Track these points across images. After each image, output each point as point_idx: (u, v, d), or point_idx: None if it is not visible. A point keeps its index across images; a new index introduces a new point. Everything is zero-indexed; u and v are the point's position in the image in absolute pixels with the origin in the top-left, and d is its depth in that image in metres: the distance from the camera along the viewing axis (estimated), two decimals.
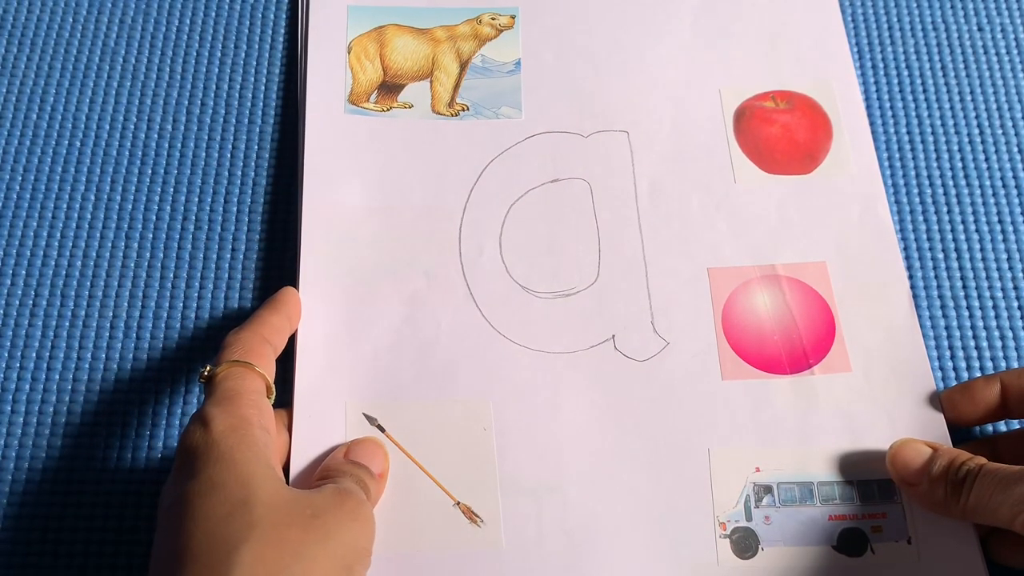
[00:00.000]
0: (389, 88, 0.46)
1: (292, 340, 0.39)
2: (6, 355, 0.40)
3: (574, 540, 0.36)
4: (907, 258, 0.43)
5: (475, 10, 0.48)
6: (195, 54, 0.48)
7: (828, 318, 0.41)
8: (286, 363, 0.39)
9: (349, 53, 0.46)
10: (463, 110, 0.45)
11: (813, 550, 0.36)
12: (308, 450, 0.37)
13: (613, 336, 0.40)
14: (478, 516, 0.37)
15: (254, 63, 0.47)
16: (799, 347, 0.40)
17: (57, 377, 0.40)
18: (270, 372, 0.36)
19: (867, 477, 0.37)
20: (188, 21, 0.48)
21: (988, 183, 0.45)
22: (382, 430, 0.38)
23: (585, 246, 0.42)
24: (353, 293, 0.41)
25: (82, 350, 0.41)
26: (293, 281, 0.41)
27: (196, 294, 0.42)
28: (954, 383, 0.40)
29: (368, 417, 0.38)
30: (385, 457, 0.37)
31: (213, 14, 0.49)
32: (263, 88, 0.47)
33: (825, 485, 0.37)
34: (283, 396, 0.38)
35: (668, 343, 0.40)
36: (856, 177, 0.44)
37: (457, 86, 0.46)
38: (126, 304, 0.42)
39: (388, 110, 0.45)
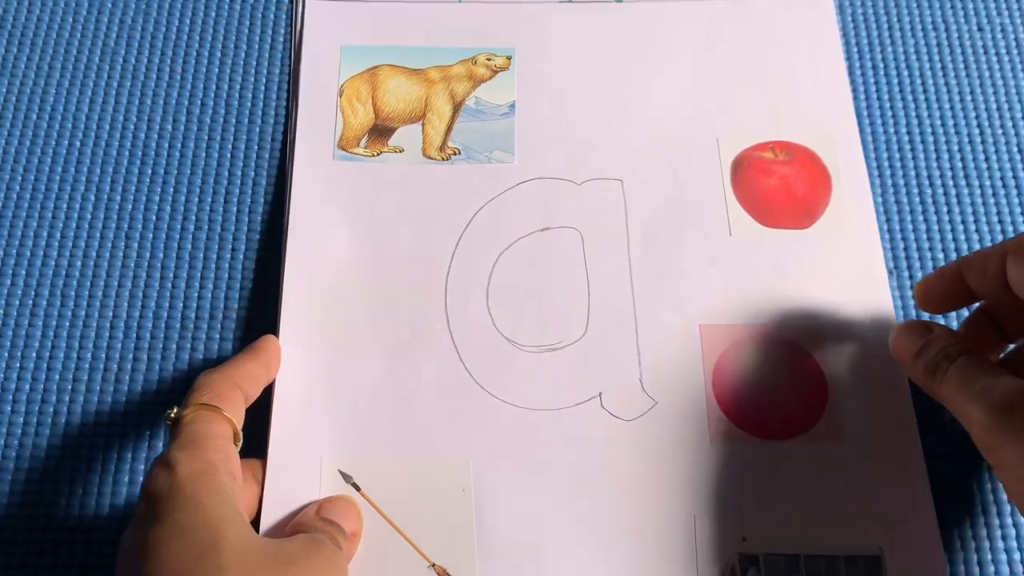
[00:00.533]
0: (380, 131, 0.45)
1: (269, 390, 0.38)
2: (6, 355, 0.40)
3: None
4: (907, 258, 0.43)
5: (471, 50, 0.47)
6: (195, 54, 0.48)
7: (820, 384, 0.39)
8: (262, 413, 0.38)
9: (341, 96, 0.46)
10: (454, 154, 0.44)
11: None
12: (280, 504, 0.36)
13: (600, 393, 0.39)
14: None
15: (254, 63, 0.47)
16: (790, 412, 0.39)
17: (57, 377, 0.40)
18: (239, 418, 0.35)
19: (854, 552, 0.36)
20: (188, 21, 0.48)
21: (988, 183, 0.45)
22: (357, 488, 0.37)
23: (574, 298, 0.41)
24: (334, 344, 0.40)
25: (82, 350, 0.41)
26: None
27: (196, 294, 0.42)
28: None
29: (343, 474, 0.37)
30: (358, 517, 0.36)
31: (213, 14, 0.49)
32: (263, 88, 0.47)
33: (811, 559, 0.36)
34: (258, 447, 0.38)
35: (656, 402, 0.39)
36: (854, 235, 0.42)
37: (449, 129, 0.45)
38: (126, 304, 0.42)
39: (378, 155, 0.44)
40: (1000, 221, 0.44)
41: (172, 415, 0.33)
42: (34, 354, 0.41)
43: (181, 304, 0.42)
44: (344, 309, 0.41)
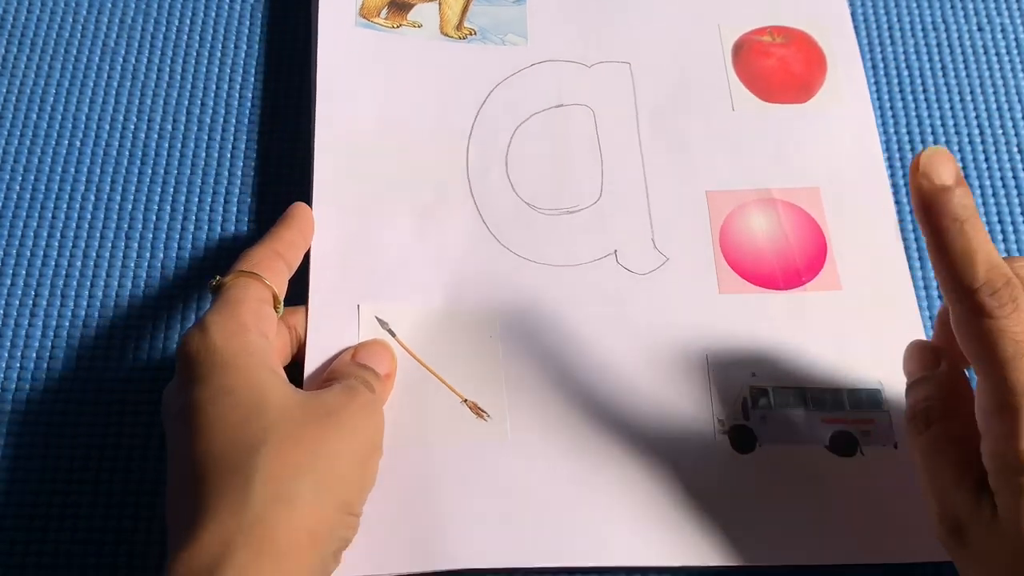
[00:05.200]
0: (399, 6, 0.47)
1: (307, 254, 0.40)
2: (6, 355, 0.40)
3: (578, 432, 0.38)
4: (907, 258, 0.43)
5: None
6: (195, 54, 0.48)
7: (820, 240, 0.42)
8: (301, 266, 0.40)
9: None
10: (471, 34, 0.47)
11: (807, 449, 0.38)
12: (321, 350, 0.39)
13: (615, 251, 0.42)
14: (485, 412, 0.38)
15: (254, 63, 0.47)
16: (792, 265, 0.42)
17: (57, 377, 0.40)
18: (279, 284, 0.37)
19: (856, 386, 0.39)
20: (188, 21, 0.48)
21: (988, 183, 0.45)
22: (392, 334, 0.39)
23: (588, 167, 0.44)
24: (364, 205, 0.42)
25: (82, 350, 0.41)
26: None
27: (196, 294, 0.42)
28: None
29: (380, 321, 0.40)
30: (392, 358, 0.38)
31: (213, 14, 0.49)
32: (263, 88, 0.47)
33: (817, 392, 0.39)
34: (299, 300, 0.40)
35: (668, 259, 0.42)
36: (849, 109, 0.46)
37: (465, 10, 0.47)
38: (126, 304, 0.42)
39: (398, 27, 0.47)
40: (1000, 221, 0.44)
41: (214, 283, 0.36)
42: (34, 354, 0.41)
43: (181, 304, 0.42)
44: (372, 171, 0.43)
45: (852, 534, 0.36)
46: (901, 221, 0.44)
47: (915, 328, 0.41)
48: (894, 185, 0.45)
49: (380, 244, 0.41)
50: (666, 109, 0.46)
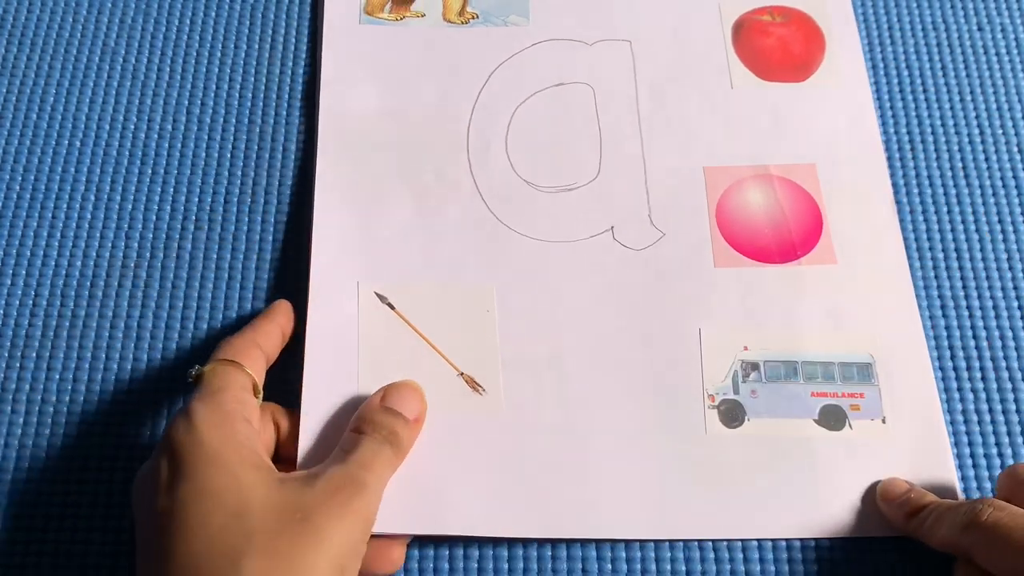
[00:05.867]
0: None
1: (308, 232, 0.42)
2: (6, 355, 0.40)
3: (571, 408, 0.39)
4: (907, 258, 0.43)
5: None
6: (195, 54, 0.48)
7: (816, 215, 0.43)
8: (303, 250, 0.42)
9: None
10: (473, 18, 0.48)
11: (795, 422, 0.39)
12: (323, 326, 0.40)
13: (612, 227, 0.43)
14: (480, 386, 0.39)
15: (254, 63, 0.47)
16: (788, 239, 0.43)
17: (57, 377, 0.40)
18: (258, 372, 0.37)
19: (848, 360, 0.40)
20: (188, 21, 0.48)
21: (988, 183, 0.45)
22: (392, 308, 0.40)
23: (587, 145, 0.45)
24: (366, 186, 0.43)
25: (82, 350, 0.41)
26: (298, 281, 0.41)
27: (196, 294, 0.42)
28: (954, 383, 0.40)
29: (379, 296, 0.40)
30: (421, 401, 0.38)
31: (213, 14, 0.49)
32: (263, 88, 0.47)
33: (808, 364, 0.40)
34: (301, 279, 0.41)
35: (664, 234, 0.43)
36: (847, 87, 0.46)
37: None
38: (126, 304, 0.42)
39: (401, 19, 0.48)
40: (1000, 221, 0.44)
41: (194, 372, 0.36)
42: (34, 354, 0.41)
43: (181, 304, 0.42)
44: (373, 155, 0.44)
45: (840, 508, 0.37)
46: (898, 201, 0.44)
47: (908, 304, 0.41)
48: (890, 168, 0.45)
49: (381, 223, 0.42)
50: (665, 87, 0.46)
